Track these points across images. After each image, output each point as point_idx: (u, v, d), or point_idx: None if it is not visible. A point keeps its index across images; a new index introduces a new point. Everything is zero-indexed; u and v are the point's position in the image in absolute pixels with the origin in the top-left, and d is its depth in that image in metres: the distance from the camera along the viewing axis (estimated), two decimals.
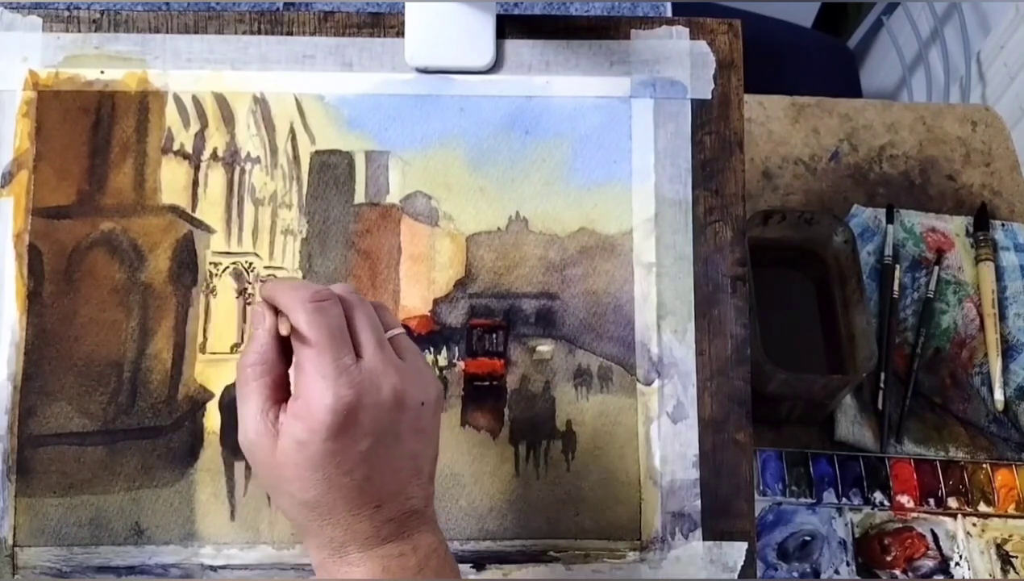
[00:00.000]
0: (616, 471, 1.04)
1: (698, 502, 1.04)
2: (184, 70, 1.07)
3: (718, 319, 1.06)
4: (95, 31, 1.07)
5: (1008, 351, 1.46)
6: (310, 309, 0.82)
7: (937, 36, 2.46)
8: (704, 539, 1.04)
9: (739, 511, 1.04)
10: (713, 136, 1.08)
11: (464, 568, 1.03)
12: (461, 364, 1.06)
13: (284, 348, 0.85)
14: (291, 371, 0.85)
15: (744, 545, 1.04)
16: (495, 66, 1.08)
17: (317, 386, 0.79)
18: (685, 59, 1.09)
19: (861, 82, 2.59)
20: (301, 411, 0.80)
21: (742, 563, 1.04)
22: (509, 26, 1.09)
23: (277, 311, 0.84)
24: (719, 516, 1.04)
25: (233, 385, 1.03)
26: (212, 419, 1.03)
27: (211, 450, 1.03)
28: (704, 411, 1.05)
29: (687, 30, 1.09)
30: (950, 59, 2.41)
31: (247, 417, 0.83)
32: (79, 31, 1.07)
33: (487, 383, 1.05)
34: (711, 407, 1.05)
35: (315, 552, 0.84)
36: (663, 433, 1.05)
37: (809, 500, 1.32)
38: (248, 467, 1.02)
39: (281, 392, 0.84)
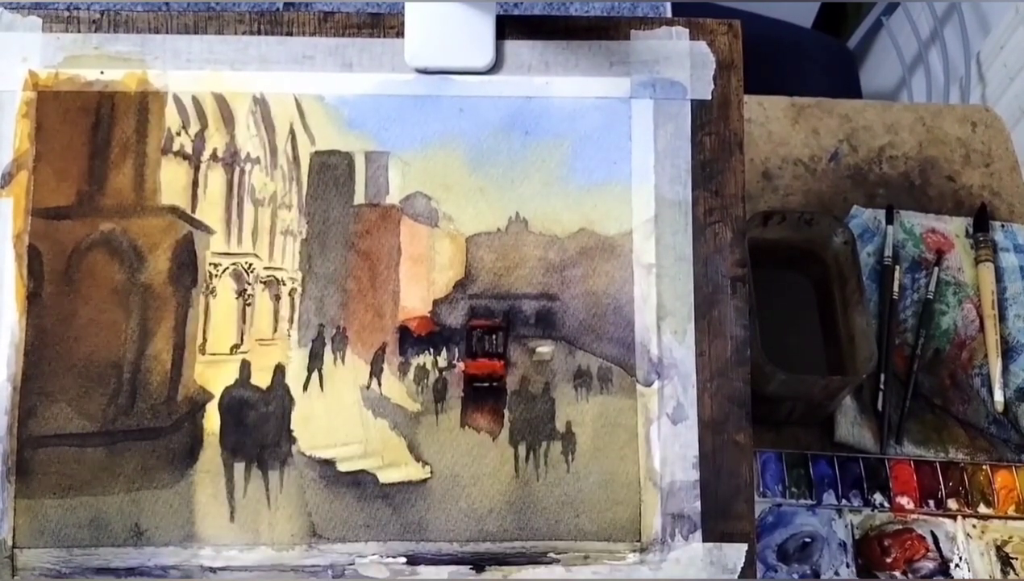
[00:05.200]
0: (616, 472, 1.04)
1: (698, 503, 1.04)
2: (184, 70, 1.07)
3: (718, 320, 1.06)
4: (95, 31, 1.07)
5: (1008, 352, 1.46)
6: None
7: (937, 36, 2.46)
8: (704, 540, 1.04)
9: (739, 512, 1.04)
10: (713, 137, 1.08)
11: (464, 569, 1.03)
12: (461, 365, 1.06)
13: None
14: None
15: (744, 547, 1.04)
16: (495, 67, 1.08)
17: None
18: (685, 60, 1.09)
19: (861, 82, 2.59)
20: None
21: (742, 565, 1.04)
22: (509, 27, 1.08)
23: None
24: (719, 518, 1.04)
25: (233, 385, 1.03)
26: (212, 420, 1.03)
27: (210, 451, 1.03)
28: (704, 412, 1.05)
29: (687, 31, 1.09)
30: (950, 59, 2.41)
31: None
32: (79, 31, 1.07)
33: (487, 384, 1.05)
34: (711, 408, 1.05)
35: None
36: (663, 434, 1.05)
37: (809, 501, 1.32)
38: (248, 467, 1.02)
39: None
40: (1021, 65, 2.06)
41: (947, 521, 1.32)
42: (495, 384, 1.06)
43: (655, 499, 1.04)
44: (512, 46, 1.08)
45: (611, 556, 1.04)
